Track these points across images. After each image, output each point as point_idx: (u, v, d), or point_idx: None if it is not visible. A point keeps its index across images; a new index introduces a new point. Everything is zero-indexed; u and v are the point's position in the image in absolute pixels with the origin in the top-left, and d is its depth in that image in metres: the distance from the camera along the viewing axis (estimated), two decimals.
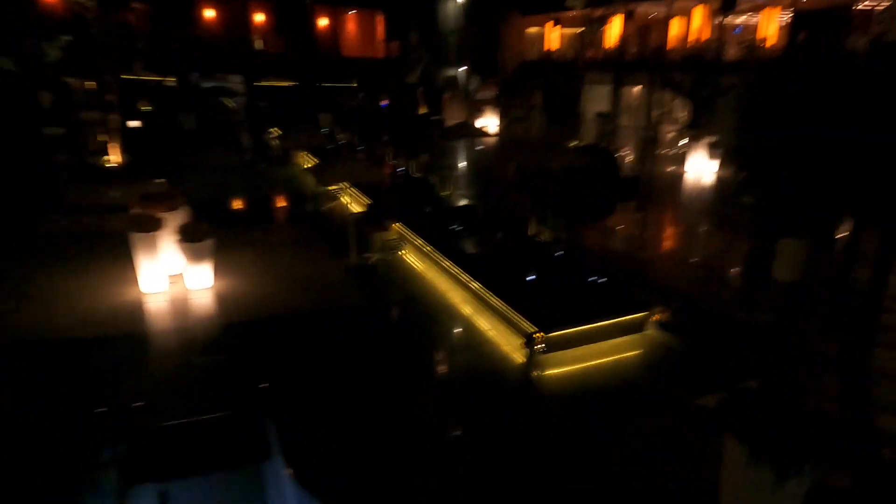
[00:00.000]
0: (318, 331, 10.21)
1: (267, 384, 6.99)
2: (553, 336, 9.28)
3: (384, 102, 36.80)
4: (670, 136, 31.84)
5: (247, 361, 9.00)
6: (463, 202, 18.68)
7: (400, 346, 9.83)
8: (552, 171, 14.40)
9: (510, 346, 9.76)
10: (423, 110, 36.46)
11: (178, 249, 11.16)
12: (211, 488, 6.23)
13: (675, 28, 32.56)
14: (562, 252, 12.34)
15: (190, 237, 10.97)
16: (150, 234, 10.80)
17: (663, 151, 28.78)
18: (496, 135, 34.64)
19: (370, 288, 12.09)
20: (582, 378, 8.92)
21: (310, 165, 22.29)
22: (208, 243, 11.19)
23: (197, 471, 6.40)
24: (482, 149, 29.74)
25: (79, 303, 10.52)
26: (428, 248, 13.22)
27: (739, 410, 5.17)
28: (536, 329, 9.23)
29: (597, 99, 35.31)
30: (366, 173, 13.18)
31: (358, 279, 12.46)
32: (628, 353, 9.59)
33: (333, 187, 19.17)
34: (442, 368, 9.25)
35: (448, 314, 11.08)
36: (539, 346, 9.13)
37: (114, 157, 16.97)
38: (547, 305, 9.91)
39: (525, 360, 9.30)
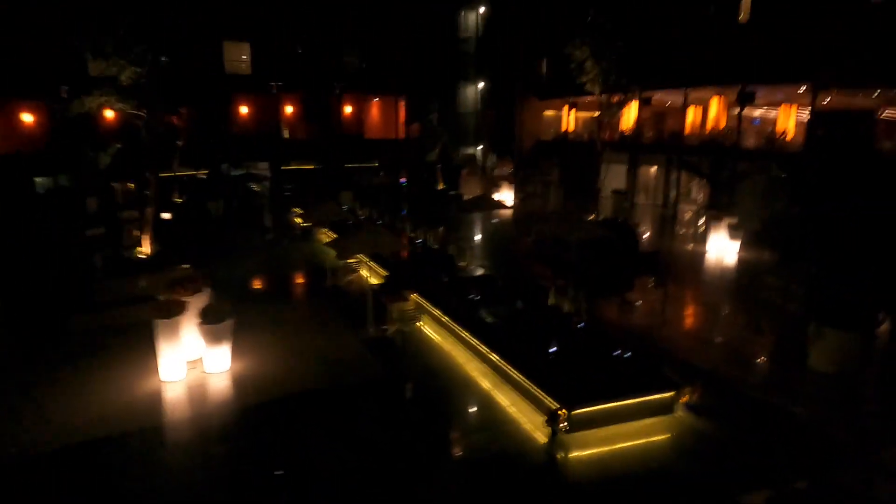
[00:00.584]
0: (334, 409, 9.99)
1: (282, 472, 6.76)
2: (577, 414, 8.90)
3: (403, 179, 37.98)
4: (688, 215, 32.02)
5: (264, 447, 8.79)
6: (481, 272, 18.68)
7: (417, 425, 9.53)
8: (571, 242, 14.41)
9: (532, 425, 9.38)
10: (441, 186, 37.44)
11: (199, 332, 11.23)
12: None
13: (692, 115, 33.50)
14: (584, 324, 12.07)
15: (210, 319, 11.06)
16: (173, 319, 10.90)
17: (682, 231, 28.84)
18: (512, 208, 35.18)
19: (388, 360, 11.92)
20: (608, 462, 8.47)
21: (330, 240, 22.77)
22: (228, 324, 11.26)
23: None
24: (498, 222, 30.12)
25: (97, 399, 10.42)
26: (445, 318, 13.11)
27: None
28: (559, 406, 8.89)
29: (613, 176, 35.87)
30: (384, 244, 13.34)
31: (376, 351, 12.33)
32: (657, 437, 9.11)
33: (352, 260, 19.44)
34: (461, 449, 8.89)
35: (466, 389, 10.80)
36: (562, 424, 8.75)
37: (145, 249, 17.58)
38: (570, 380, 9.59)
39: (548, 439, 8.90)
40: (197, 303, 11.56)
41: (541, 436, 9.07)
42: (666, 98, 35.19)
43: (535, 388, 9.60)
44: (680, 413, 9.53)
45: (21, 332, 14.94)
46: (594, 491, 7.74)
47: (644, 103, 33.61)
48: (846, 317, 10.93)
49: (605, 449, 8.73)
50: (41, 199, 24.18)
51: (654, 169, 37.97)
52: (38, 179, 26.88)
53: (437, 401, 10.44)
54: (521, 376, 10.06)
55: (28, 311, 16.44)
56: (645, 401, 9.41)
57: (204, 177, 34.34)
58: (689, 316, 15.25)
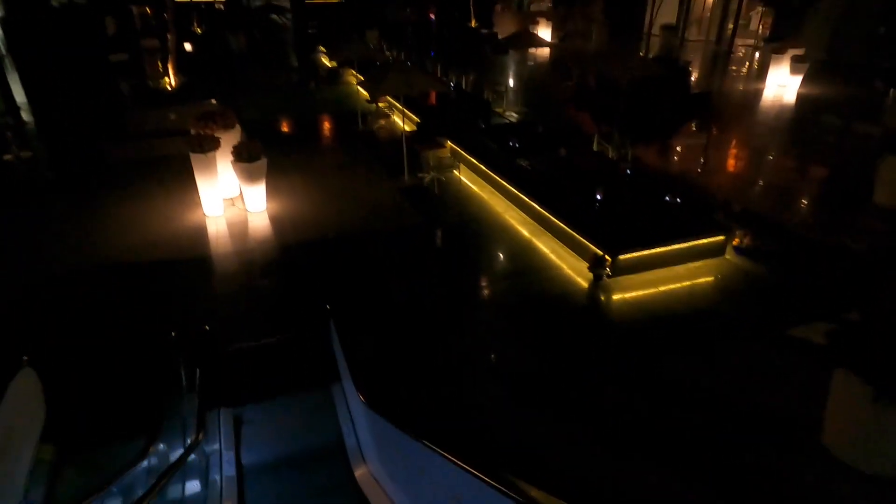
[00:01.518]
0: (374, 252, 10.02)
1: (329, 306, 6.83)
2: (621, 260, 8.73)
3: (432, 16, 34.86)
4: (744, 51, 29.02)
5: (308, 283, 8.94)
6: (520, 118, 17.69)
7: (456, 269, 9.52)
8: (619, 84, 13.19)
9: (573, 270, 9.29)
10: (473, 24, 34.40)
11: (234, 170, 11.01)
12: (283, 411, 6.28)
13: None
14: (630, 171, 11.45)
15: (244, 156, 10.75)
16: (208, 154, 10.64)
17: (738, 68, 26.28)
18: (551, 47, 32.49)
19: (424, 207, 11.71)
20: (651, 303, 8.40)
21: (360, 81, 21.64)
22: (262, 163, 10.98)
23: (269, 394, 6.44)
24: (535, 65, 27.97)
25: (143, 228, 10.68)
26: (483, 166, 12.60)
27: (852, 344, 4.58)
28: (603, 252, 8.68)
29: (663, 11, 32.22)
30: (419, 83, 12.41)
31: (412, 199, 12.09)
32: (704, 279, 8.94)
33: (383, 104, 18.52)
34: (500, 291, 8.91)
35: (505, 236, 10.62)
36: (606, 269, 8.61)
37: (171, 80, 16.87)
38: (614, 227, 9.29)
39: (590, 284, 8.85)
40: (228, 139, 11.21)
41: (582, 280, 9.00)
42: None
43: (578, 235, 9.36)
44: (730, 256, 9.29)
45: (59, 161, 15.05)
46: (637, 329, 7.76)
47: None
48: None
49: (649, 291, 8.65)
50: (55, 15, 22.80)
51: None
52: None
53: (475, 247, 10.34)
54: (563, 224, 9.78)
55: (63, 139, 16.42)
56: (692, 245, 9.14)
57: (222, 7, 32.03)
58: (742, 159, 14.37)
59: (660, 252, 8.99)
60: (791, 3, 25.50)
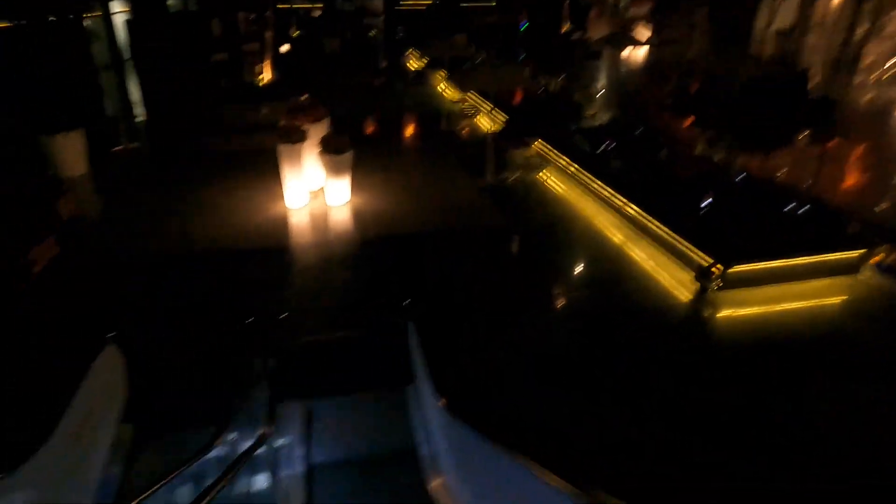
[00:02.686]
0: (457, 250, 9.58)
1: (409, 301, 6.44)
2: (733, 271, 7.73)
3: (522, 22, 34.33)
4: (873, 58, 26.15)
5: (390, 279, 8.66)
6: (614, 120, 16.72)
7: (543, 273, 8.88)
8: (732, 82, 12.02)
9: (674, 281, 8.38)
10: (566, 27, 33.51)
11: (320, 162, 10.99)
12: (356, 408, 5.98)
13: None
14: (743, 175, 10.32)
15: (331, 148, 10.70)
16: (295, 145, 10.68)
17: (867, 76, 23.68)
18: (651, 49, 30.95)
19: (509, 208, 11.16)
20: (768, 323, 7.36)
21: (448, 77, 21.52)
22: (348, 156, 10.88)
23: (341, 389, 6.14)
24: (629, 71, 26.65)
25: (233, 217, 10.85)
26: (573, 167, 11.86)
27: None
28: (713, 261, 7.74)
29: (776, 14, 29.82)
30: (509, 79, 11.92)
31: (496, 199, 11.57)
32: (834, 299, 7.75)
33: (468, 103, 18.20)
34: (591, 299, 8.16)
35: (597, 241, 9.85)
36: (715, 282, 7.66)
37: (266, 76, 17.51)
38: (726, 235, 8.30)
39: (693, 296, 7.92)
40: (317, 132, 11.24)
41: (684, 292, 8.09)
42: None
43: (683, 241, 8.45)
44: (866, 274, 8.02)
45: (161, 149, 15.91)
46: (748, 350, 6.78)
47: None
48: None
49: (764, 309, 7.60)
50: (173, 20, 24.83)
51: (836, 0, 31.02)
52: (169, 1, 27.39)
53: (562, 251, 9.65)
54: (664, 229, 8.88)
55: (167, 131, 17.40)
56: (823, 260, 7.97)
57: (318, 13, 33.27)
58: (875, 170, 12.67)
59: (780, 266, 7.91)
60: None
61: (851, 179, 12.06)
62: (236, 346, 6.44)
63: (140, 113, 19.28)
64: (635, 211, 9.70)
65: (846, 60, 26.31)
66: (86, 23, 19.16)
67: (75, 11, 16.70)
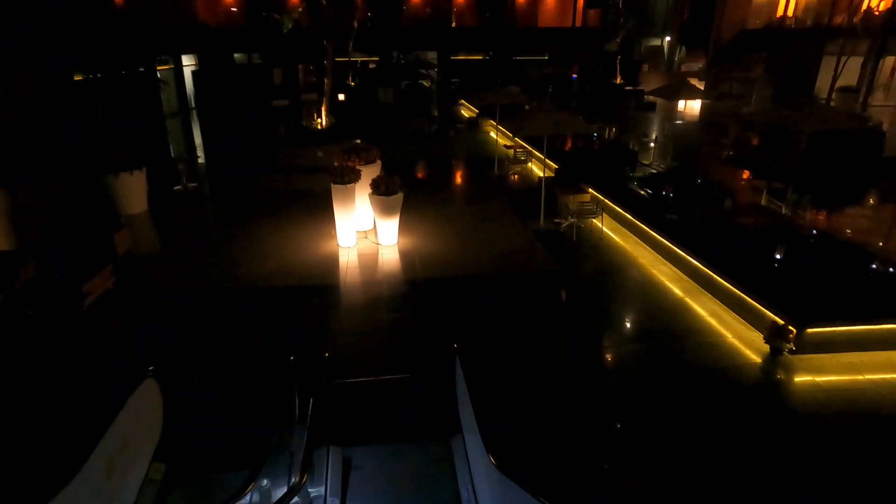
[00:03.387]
0: (505, 295, 9.23)
1: (457, 345, 6.08)
2: (811, 333, 7.06)
3: (574, 74, 34.67)
4: None
5: (435, 322, 8.36)
6: (671, 169, 16.26)
7: (597, 326, 8.39)
8: (802, 132, 11.49)
9: (740, 340, 7.74)
10: (618, 80, 33.64)
11: (370, 202, 11.01)
12: (397, 458, 5.57)
13: None
14: (816, 231, 9.64)
15: (382, 190, 10.71)
16: (348, 185, 10.76)
17: None
18: (706, 103, 30.45)
19: (561, 254, 10.78)
20: (857, 394, 6.60)
21: (500, 123, 21.73)
22: (398, 197, 10.86)
23: (383, 437, 5.79)
24: (683, 124, 26.20)
25: (282, 254, 10.95)
26: (629, 215, 11.44)
27: None
28: (787, 321, 7.10)
29: (842, 74, 29.03)
30: (565, 124, 11.75)
31: (548, 245, 11.22)
32: None
33: (520, 150, 18.14)
34: (650, 357, 7.59)
35: (654, 293, 9.30)
36: (789, 344, 7.00)
37: (322, 121, 18.11)
38: (799, 293, 7.65)
39: (764, 359, 7.25)
40: (369, 173, 11.32)
41: (753, 353, 7.42)
42: None
43: (752, 298, 7.83)
44: None
45: (218, 189, 16.48)
46: (827, 423, 6.06)
47: None
48: None
49: (850, 378, 6.85)
50: (239, 70, 26.54)
51: None
52: (236, 55, 29.20)
53: (617, 301, 9.16)
54: (731, 284, 8.30)
55: (224, 171, 18.05)
56: None
57: (374, 65, 34.65)
58: None
59: (863, 330, 7.17)
60: None
61: None
62: (275, 385, 6.23)
63: (201, 155, 20.25)
64: (695, 262, 9.15)
65: None
66: (160, 74, 20.54)
67: (147, 65, 17.93)
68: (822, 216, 11.89)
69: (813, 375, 6.90)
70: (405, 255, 10.84)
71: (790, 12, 34.48)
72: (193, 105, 23.45)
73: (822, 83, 29.43)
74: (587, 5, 39.90)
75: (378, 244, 11.30)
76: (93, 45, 13.05)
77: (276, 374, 6.36)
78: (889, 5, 26.47)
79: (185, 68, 24.02)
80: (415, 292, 9.38)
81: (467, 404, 5.22)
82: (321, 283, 9.67)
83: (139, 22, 18.31)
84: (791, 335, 7.00)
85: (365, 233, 11.85)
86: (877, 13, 26.01)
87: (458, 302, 9.11)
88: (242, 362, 7.38)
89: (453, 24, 38.30)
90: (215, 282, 9.80)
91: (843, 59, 24.56)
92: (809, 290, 7.86)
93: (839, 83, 28.77)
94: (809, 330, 7.06)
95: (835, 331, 7.15)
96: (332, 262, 10.60)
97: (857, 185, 13.46)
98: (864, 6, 24.26)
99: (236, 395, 6.63)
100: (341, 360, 7.12)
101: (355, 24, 23.09)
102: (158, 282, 9.84)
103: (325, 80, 16.94)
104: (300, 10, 19.51)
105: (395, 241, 11.31)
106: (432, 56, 36.76)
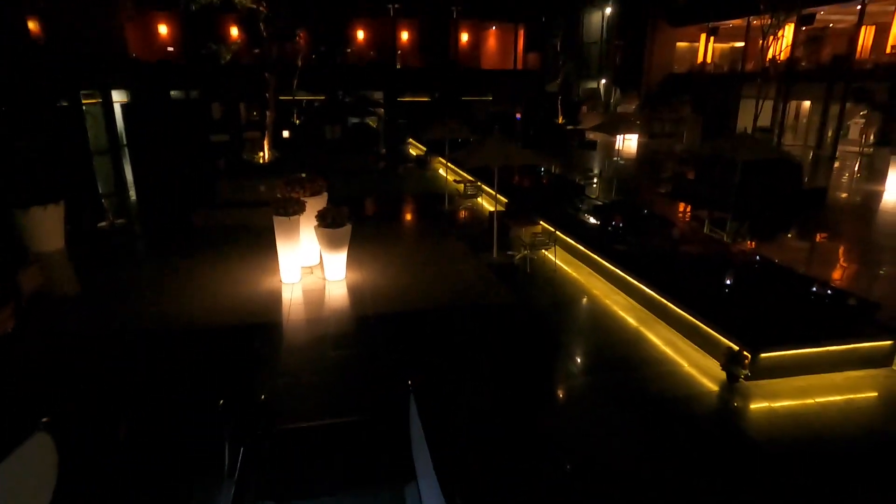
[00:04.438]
0: (459, 329, 8.89)
1: (410, 383, 5.63)
2: (765, 359, 7.07)
3: (518, 115, 35.72)
4: (840, 158, 27.36)
5: (387, 358, 7.88)
6: (617, 201, 16.63)
7: (554, 357, 8.16)
8: (734, 164, 11.99)
9: (696, 368, 7.68)
10: (560, 120, 34.85)
11: (317, 235, 10.53)
12: None
13: (865, 36, 28.16)
14: (759, 258, 9.90)
15: (328, 222, 10.27)
16: (291, 218, 10.27)
17: (844, 173, 24.51)
18: (642, 142, 31.90)
19: (515, 286, 10.60)
20: (802, 418, 6.59)
21: (448, 164, 21.82)
22: (346, 229, 10.44)
23: (326, 489, 5.17)
24: (621, 161, 27.20)
25: (220, 291, 10.28)
26: (581, 246, 11.46)
27: None
28: (741, 346, 7.09)
29: (760, 114, 31.47)
30: (514, 156, 11.78)
31: (501, 277, 11.03)
32: (866, 394, 7.06)
33: (470, 185, 18.18)
34: (608, 387, 7.39)
35: (609, 323, 9.21)
36: (744, 370, 6.97)
37: (265, 154, 17.60)
38: (749, 319, 7.72)
39: (720, 386, 7.19)
40: (315, 205, 10.86)
41: (709, 381, 7.37)
42: (828, 19, 30.01)
43: (706, 325, 7.84)
44: None
45: (150, 225, 15.54)
46: (784, 450, 5.99)
47: (804, 22, 28.55)
48: None
49: (798, 402, 6.86)
50: (174, 106, 25.82)
51: (806, 105, 32.79)
52: (173, 92, 28.40)
53: (571, 332, 9.03)
54: (684, 312, 8.30)
55: (157, 207, 17.19)
56: (853, 349, 7.36)
57: (319, 104, 34.47)
58: (881, 257, 12.32)
59: (811, 353, 7.27)
60: None
61: (853, 265, 11.70)
62: (201, 432, 5.56)
63: (132, 191, 19.21)
64: (649, 291, 9.16)
65: (823, 159, 27.37)
66: (86, 107, 19.52)
67: (70, 99, 16.94)
68: (760, 243, 12.32)
69: (769, 401, 6.88)
70: (354, 291, 10.36)
71: (709, 59, 37.16)
72: (125, 141, 22.44)
73: (743, 123, 31.68)
74: (527, 49, 41.66)
75: (325, 279, 10.78)
76: (2, 76, 12.20)
77: (203, 421, 5.69)
78: (788, 55, 29.09)
79: (115, 104, 23.02)
80: (365, 328, 8.90)
81: (423, 447, 4.77)
82: (261, 322, 9.03)
83: (61, 54, 17.35)
84: (746, 361, 6.99)
85: (311, 268, 11.30)
86: (779, 60, 28.38)
87: (411, 337, 8.69)
88: (162, 408, 6.63)
89: (398, 65, 38.94)
90: (139, 322, 8.99)
91: (761, 101, 26.47)
92: (759, 315, 7.96)
93: (755, 125, 30.99)
94: (763, 355, 7.07)
95: (785, 354, 7.21)
96: (275, 298, 9.98)
97: (785, 214, 14.16)
98: (769, 55, 26.45)
99: (155, 446, 5.89)
100: (281, 404, 6.53)
101: (299, 63, 22.91)
102: (72, 323, 8.93)
103: (268, 114, 16.53)
104: (239, 42, 19.25)
105: (343, 277, 10.82)
106: (378, 96, 37.07)
